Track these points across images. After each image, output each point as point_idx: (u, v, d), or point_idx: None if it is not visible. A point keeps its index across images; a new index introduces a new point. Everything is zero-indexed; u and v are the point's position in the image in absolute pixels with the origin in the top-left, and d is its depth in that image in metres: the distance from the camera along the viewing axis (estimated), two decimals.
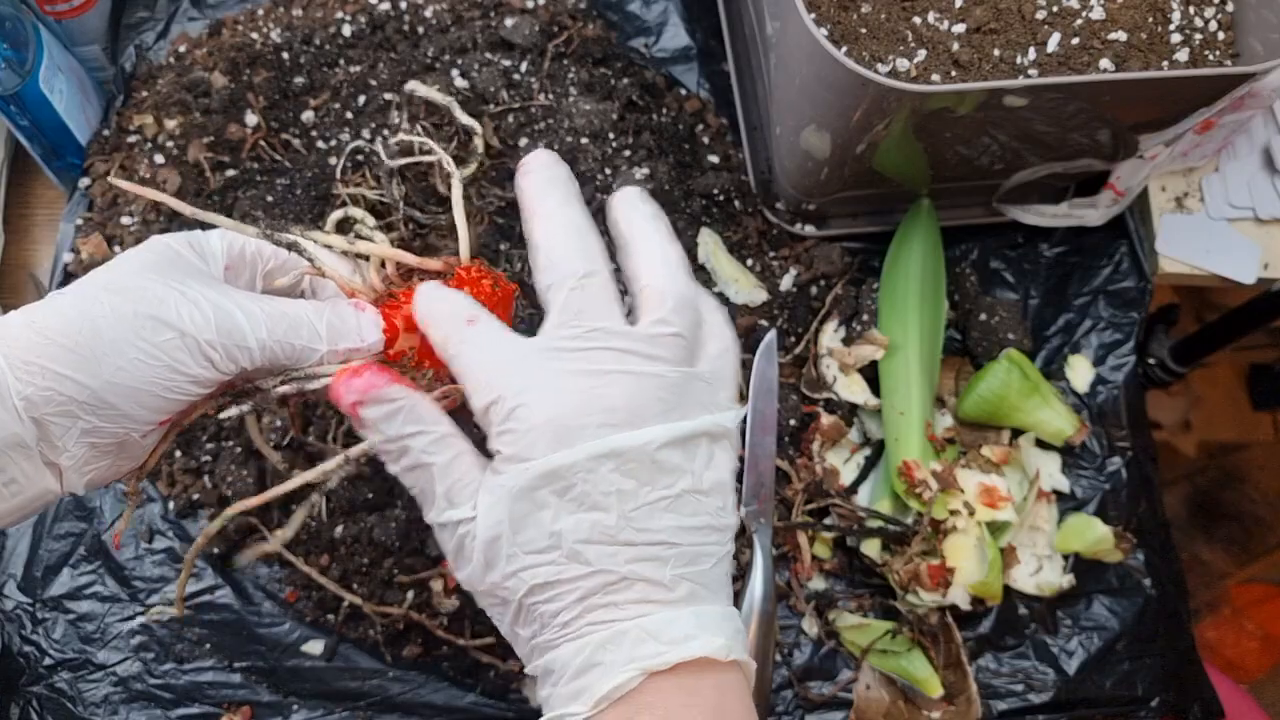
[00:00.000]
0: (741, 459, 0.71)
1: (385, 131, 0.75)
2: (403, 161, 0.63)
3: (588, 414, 0.41)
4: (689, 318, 0.45)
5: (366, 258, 0.51)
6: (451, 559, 0.44)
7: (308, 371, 0.47)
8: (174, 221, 0.75)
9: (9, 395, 0.40)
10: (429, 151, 0.58)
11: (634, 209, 0.47)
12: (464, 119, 0.58)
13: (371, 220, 0.54)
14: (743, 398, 0.73)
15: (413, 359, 0.50)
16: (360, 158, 0.74)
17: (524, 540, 0.41)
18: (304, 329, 0.46)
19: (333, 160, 0.74)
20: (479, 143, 0.58)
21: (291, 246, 0.48)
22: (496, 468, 0.42)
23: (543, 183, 0.47)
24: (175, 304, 0.43)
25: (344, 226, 0.55)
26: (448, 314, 0.45)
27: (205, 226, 0.48)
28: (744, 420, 0.71)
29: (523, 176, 0.47)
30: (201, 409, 0.47)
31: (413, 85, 0.61)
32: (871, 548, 0.70)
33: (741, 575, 0.69)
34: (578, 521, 0.41)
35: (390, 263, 0.51)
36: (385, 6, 0.83)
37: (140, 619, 0.69)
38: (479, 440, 0.44)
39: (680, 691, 0.40)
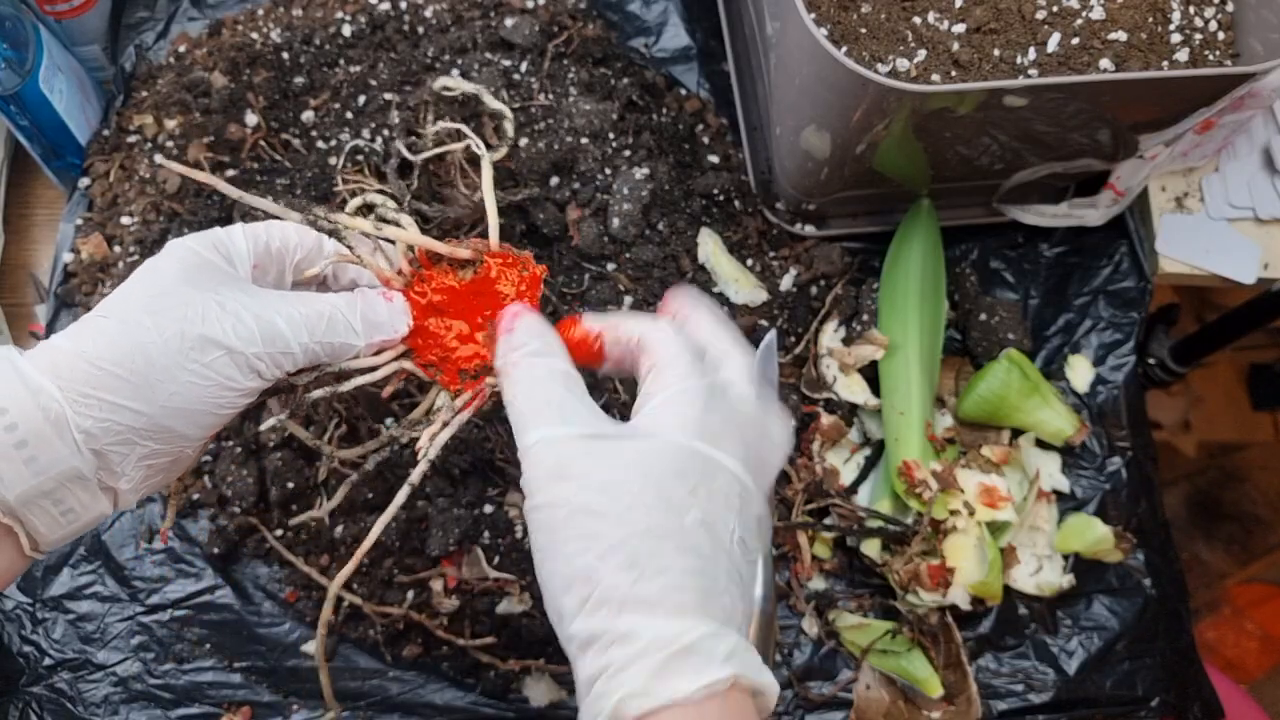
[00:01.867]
0: None
1: (386, 131, 0.75)
2: (428, 154, 0.63)
3: (735, 444, 0.43)
4: None
5: (393, 241, 0.51)
6: (536, 477, 0.42)
7: (342, 369, 0.48)
8: (174, 220, 0.75)
9: (68, 429, 0.40)
10: (457, 136, 0.58)
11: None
12: (494, 104, 0.58)
13: (393, 204, 0.54)
14: None
15: (445, 346, 0.50)
16: (360, 158, 0.74)
17: (657, 493, 0.40)
18: (340, 326, 0.46)
19: (333, 160, 0.74)
20: (508, 126, 0.59)
21: (333, 234, 0.48)
22: (654, 423, 0.42)
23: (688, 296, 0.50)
24: (218, 319, 0.43)
25: (363, 212, 0.56)
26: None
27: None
28: None
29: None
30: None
31: (444, 81, 0.62)
32: (871, 548, 0.70)
33: None
34: (709, 507, 0.41)
35: (418, 248, 0.51)
36: (385, 6, 0.83)
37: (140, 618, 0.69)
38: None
39: (746, 712, 0.39)
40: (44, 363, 0.41)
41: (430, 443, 0.49)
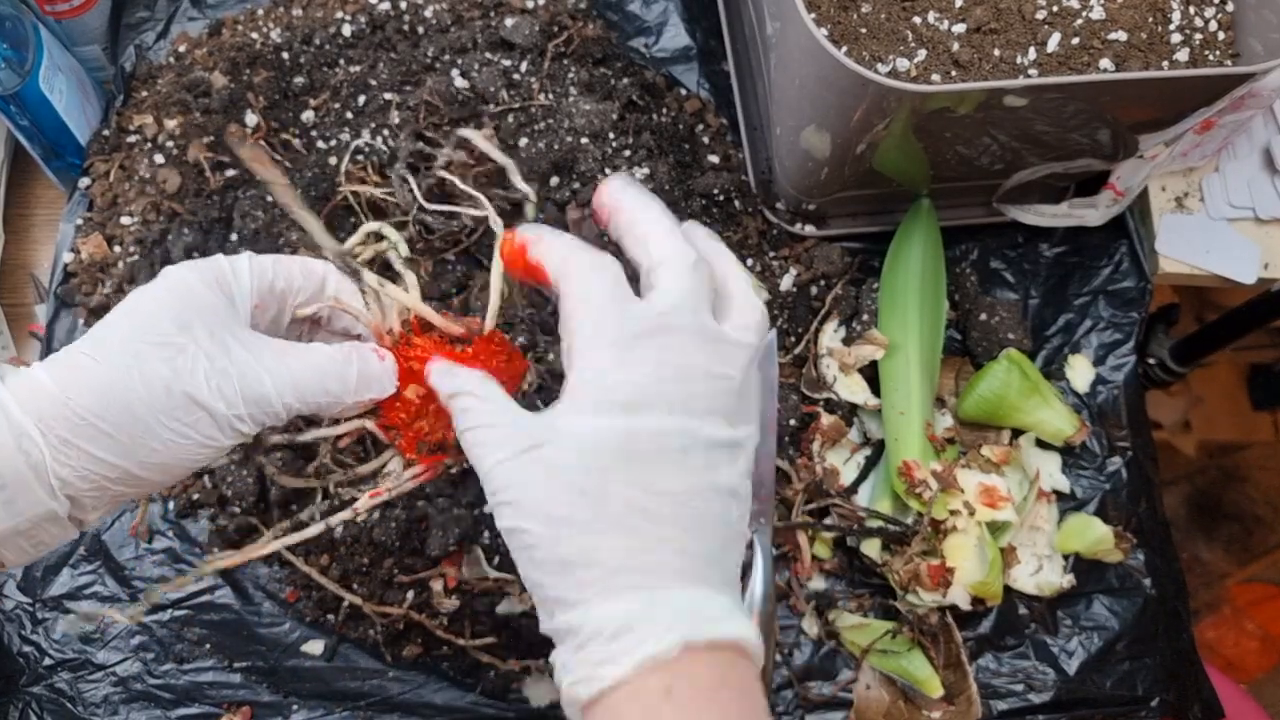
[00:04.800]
0: None
1: (386, 130, 0.75)
2: (439, 208, 0.64)
3: (665, 388, 0.41)
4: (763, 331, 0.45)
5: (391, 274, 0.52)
6: (495, 493, 0.42)
7: (333, 416, 0.49)
8: (174, 220, 0.75)
9: (47, 476, 0.41)
10: (471, 200, 0.58)
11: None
12: (521, 185, 0.57)
13: (404, 248, 0.54)
14: None
15: (412, 414, 0.50)
16: (361, 158, 0.74)
17: (576, 482, 0.40)
18: (333, 382, 0.46)
19: (333, 160, 0.74)
20: (530, 210, 0.58)
21: (355, 275, 0.49)
22: (569, 400, 0.41)
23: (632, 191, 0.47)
24: (205, 376, 0.43)
25: (370, 242, 0.56)
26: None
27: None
28: None
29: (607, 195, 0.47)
30: None
31: (468, 133, 0.62)
32: (871, 548, 0.70)
33: (742, 575, 0.69)
34: (634, 477, 0.40)
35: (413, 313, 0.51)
36: (385, 6, 0.83)
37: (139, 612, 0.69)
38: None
39: (716, 669, 0.40)
40: (28, 403, 0.41)
41: (367, 505, 0.49)
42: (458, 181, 0.61)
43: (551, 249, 0.44)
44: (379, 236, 0.54)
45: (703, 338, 0.42)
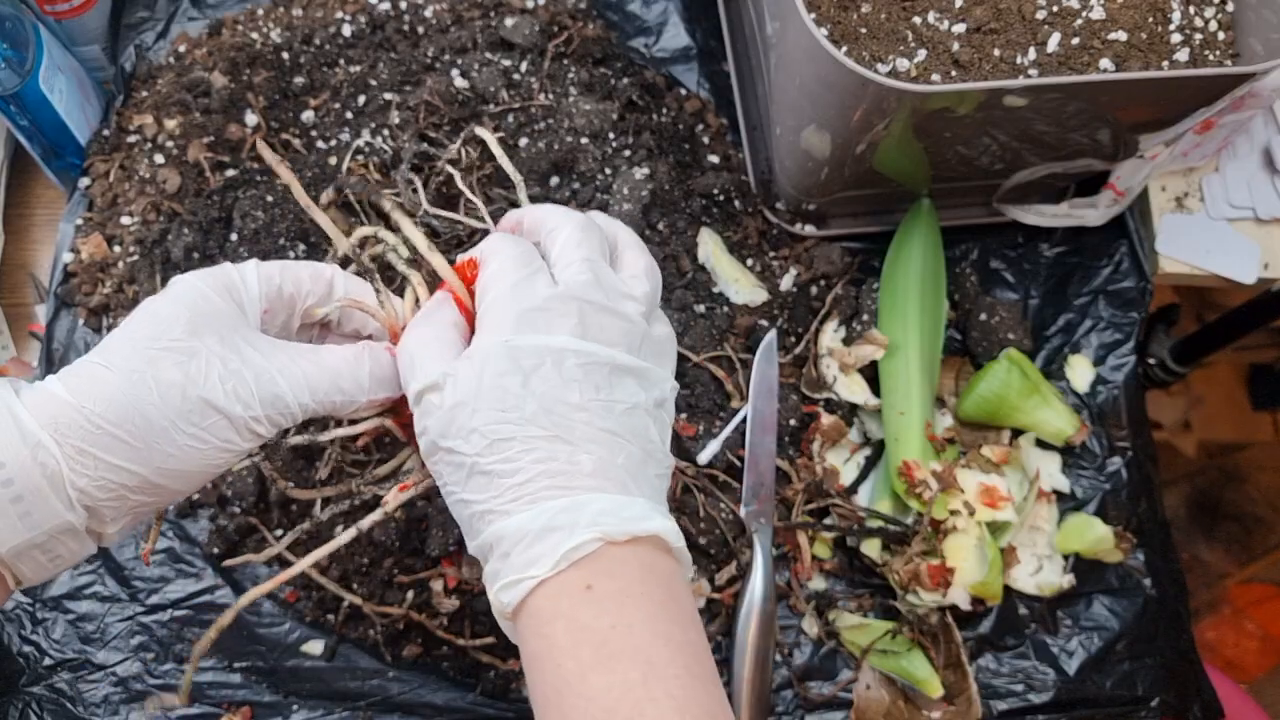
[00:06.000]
0: (741, 458, 0.71)
1: (386, 130, 0.74)
2: (444, 215, 0.65)
3: (565, 320, 0.44)
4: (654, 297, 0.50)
5: (400, 291, 0.52)
6: (420, 422, 0.45)
7: (349, 416, 0.49)
8: (174, 220, 0.75)
9: (64, 487, 0.41)
10: (472, 206, 0.59)
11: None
12: (524, 200, 0.59)
13: (405, 250, 0.54)
14: (743, 398, 0.73)
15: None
16: (361, 157, 0.74)
17: (492, 398, 0.43)
18: (346, 381, 0.46)
19: (333, 160, 0.74)
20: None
21: (367, 274, 0.50)
22: (480, 334, 0.45)
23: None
24: (219, 380, 0.43)
25: (364, 245, 0.56)
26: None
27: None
28: (744, 420, 0.72)
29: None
30: None
31: (483, 132, 0.63)
32: (871, 548, 0.70)
33: (741, 575, 0.69)
34: (545, 391, 0.43)
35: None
36: (385, 6, 0.83)
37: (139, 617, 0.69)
38: None
39: (637, 564, 0.42)
40: (43, 414, 0.41)
41: (397, 501, 0.50)
42: (466, 190, 0.62)
43: (476, 249, 0.49)
44: (376, 241, 0.54)
45: (596, 278, 0.46)
